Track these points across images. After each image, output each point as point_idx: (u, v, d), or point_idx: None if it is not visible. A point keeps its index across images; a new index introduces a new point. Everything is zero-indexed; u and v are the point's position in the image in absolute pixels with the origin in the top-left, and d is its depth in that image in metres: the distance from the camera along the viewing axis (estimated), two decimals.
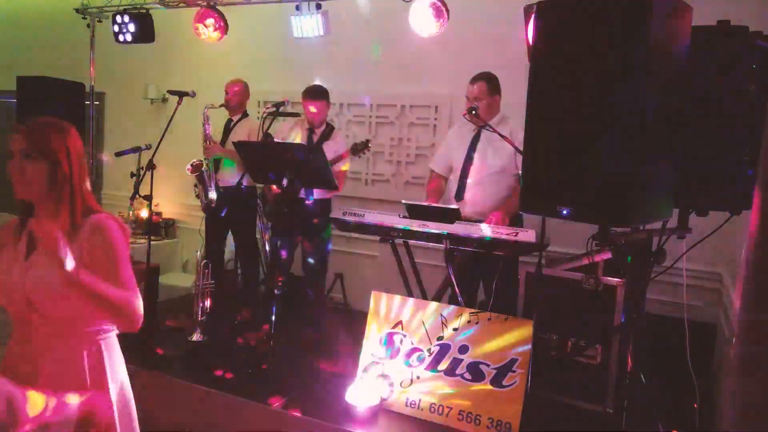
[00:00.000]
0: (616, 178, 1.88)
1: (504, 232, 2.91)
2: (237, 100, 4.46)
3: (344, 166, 4.02)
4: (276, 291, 3.57)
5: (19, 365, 1.66)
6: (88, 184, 1.73)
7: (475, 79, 3.53)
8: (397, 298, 3.18)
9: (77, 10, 4.99)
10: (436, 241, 3.08)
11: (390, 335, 3.12)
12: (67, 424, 1.60)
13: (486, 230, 2.93)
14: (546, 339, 3.14)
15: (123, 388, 1.79)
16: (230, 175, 4.35)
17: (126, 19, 4.83)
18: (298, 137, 4.10)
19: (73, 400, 1.61)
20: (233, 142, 3.73)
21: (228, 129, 4.50)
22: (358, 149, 3.82)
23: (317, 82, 4.14)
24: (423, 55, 4.65)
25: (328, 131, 4.13)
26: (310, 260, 4.07)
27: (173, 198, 5.94)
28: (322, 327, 4.12)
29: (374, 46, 4.81)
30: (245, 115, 4.55)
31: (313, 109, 4.01)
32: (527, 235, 2.84)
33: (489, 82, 3.52)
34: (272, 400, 3.07)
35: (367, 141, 3.84)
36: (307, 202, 3.75)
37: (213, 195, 4.28)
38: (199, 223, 4.60)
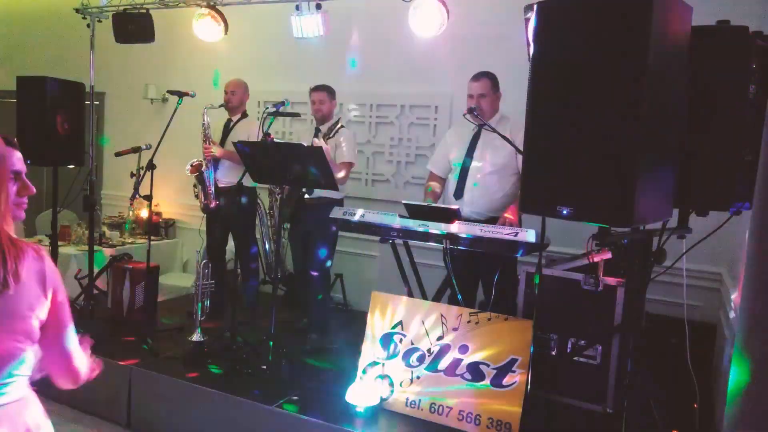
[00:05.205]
0: (615, 178, 1.88)
1: (504, 232, 2.90)
2: (236, 100, 4.46)
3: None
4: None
5: None
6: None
7: (478, 76, 3.52)
8: (397, 298, 3.18)
9: (77, 10, 4.99)
10: (436, 241, 3.08)
11: (390, 335, 3.12)
12: None
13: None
14: (546, 339, 3.14)
15: None
16: (230, 175, 4.35)
17: (126, 19, 4.82)
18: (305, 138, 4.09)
19: None
20: (233, 142, 3.72)
21: (227, 129, 4.49)
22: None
23: (319, 83, 4.14)
24: (423, 55, 4.65)
25: (333, 128, 4.09)
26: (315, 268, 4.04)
27: (173, 198, 5.94)
28: (325, 332, 4.10)
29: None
30: (245, 115, 4.55)
31: (313, 99, 4.03)
32: (527, 235, 2.84)
33: (492, 79, 3.52)
34: (272, 400, 3.07)
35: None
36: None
37: (213, 197, 4.30)
38: (199, 223, 4.60)
